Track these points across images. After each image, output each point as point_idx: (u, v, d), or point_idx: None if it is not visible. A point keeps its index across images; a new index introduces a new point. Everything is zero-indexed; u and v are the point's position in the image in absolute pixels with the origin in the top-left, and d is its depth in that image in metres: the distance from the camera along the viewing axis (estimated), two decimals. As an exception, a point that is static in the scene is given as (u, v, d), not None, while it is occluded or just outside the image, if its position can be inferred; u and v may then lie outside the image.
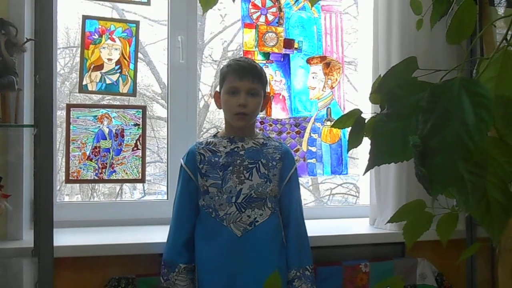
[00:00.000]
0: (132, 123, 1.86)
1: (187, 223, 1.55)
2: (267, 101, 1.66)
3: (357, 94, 2.31)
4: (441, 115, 0.64)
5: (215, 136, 1.61)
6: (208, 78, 2.54)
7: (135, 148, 1.86)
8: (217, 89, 1.63)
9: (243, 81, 1.53)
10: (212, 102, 2.49)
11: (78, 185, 2.27)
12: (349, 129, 1.14)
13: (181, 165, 1.59)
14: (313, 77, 2.11)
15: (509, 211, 0.73)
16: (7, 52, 1.50)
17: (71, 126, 1.80)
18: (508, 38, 0.75)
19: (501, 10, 1.79)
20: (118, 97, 1.97)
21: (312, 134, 2.10)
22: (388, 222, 1.35)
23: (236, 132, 1.58)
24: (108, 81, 1.82)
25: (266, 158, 1.56)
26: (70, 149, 1.79)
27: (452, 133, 0.63)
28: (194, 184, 1.56)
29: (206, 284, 1.50)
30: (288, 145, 2.05)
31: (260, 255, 1.49)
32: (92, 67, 1.80)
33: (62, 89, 2.21)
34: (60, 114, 1.96)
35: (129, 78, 1.84)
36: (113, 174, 1.84)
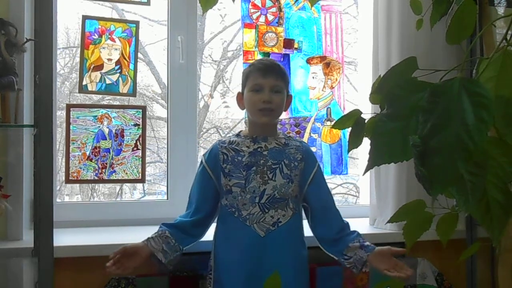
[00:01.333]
0: (132, 123, 1.86)
1: (193, 215, 1.54)
2: (290, 101, 1.65)
3: (357, 94, 2.31)
4: (441, 115, 0.64)
5: (238, 135, 1.61)
6: (208, 78, 2.54)
7: (135, 148, 1.86)
8: (239, 90, 1.63)
9: (267, 78, 1.53)
10: (212, 102, 2.49)
11: (78, 185, 2.27)
12: (349, 129, 1.14)
13: (202, 162, 1.59)
14: (313, 77, 2.11)
15: (509, 211, 0.73)
16: (7, 52, 1.50)
17: (71, 126, 1.80)
18: (508, 38, 0.75)
19: (501, 10, 1.79)
20: (118, 97, 1.97)
21: (312, 134, 2.10)
22: (388, 222, 1.35)
23: (259, 132, 1.57)
24: (108, 81, 1.82)
25: (289, 159, 1.56)
26: (70, 149, 1.79)
27: (452, 133, 0.63)
28: (212, 183, 1.56)
29: (225, 283, 1.50)
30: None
31: (282, 256, 1.49)
32: (92, 67, 1.80)
33: (62, 89, 2.21)
34: (60, 114, 1.96)
35: (129, 78, 1.84)
36: (113, 174, 1.84)
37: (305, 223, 1.62)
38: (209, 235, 1.59)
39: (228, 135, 1.64)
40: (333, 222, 1.57)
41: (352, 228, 1.58)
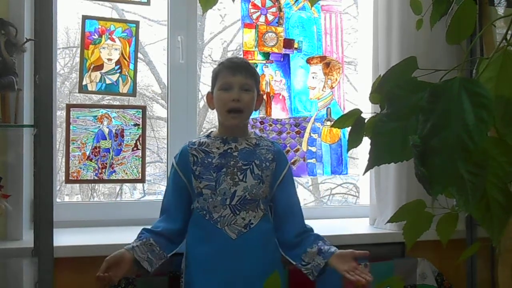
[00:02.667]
0: (132, 123, 1.86)
1: (173, 221, 1.52)
2: (261, 100, 1.64)
3: (357, 94, 2.31)
4: (441, 115, 0.64)
5: (208, 136, 1.59)
6: (208, 78, 2.53)
7: (135, 148, 1.86)
8: (209, 90, 1.61)
9: (236, 76, 1.52)
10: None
11: (78, 185, 2.27)
12: (349, 129, 1.14)
13: (173, 164, 1.58)
14: (313, 77, 2.11)
15: (509, 211, 0.73)
16: (7, 52, 1.50)
17: (71, 126, 1.80)
18: (508, 38, 0.75)
19: (501, 10, 1.79)
20: (118, 97, 1.97)
21: (312, 134, 2.10)
22: (388, 222, 1.35)
23: (229, 132, 1.56)
24: (108, 81, 1.82)
25: (260, 159, 1.54)
26: (70, 149, 1.79)
27: (452, 133, 0.63)
28: (184, 185, 1.54)
29: (198, 286, 1.47)
30: (288, 145, 2.05)
31: (255, 258, 1.47)
32: (92, 67, 1.80)
33: (62, 89, 2.21)
34: (60, 114, 1.96)
35: (129, 78, 1.84)
36: (113, 174, 1.84)
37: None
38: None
39: (198, 136, 1.62)
40: (294, 225, 1.54)
41: (351, 229, 1.57)
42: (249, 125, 1.97)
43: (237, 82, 1.52)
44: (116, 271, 1.39)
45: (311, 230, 1.55)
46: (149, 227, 1.53)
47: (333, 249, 1.47)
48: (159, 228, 1.51)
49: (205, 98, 1.63)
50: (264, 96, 2.03)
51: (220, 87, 1.53)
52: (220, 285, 1.45)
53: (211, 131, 1.62)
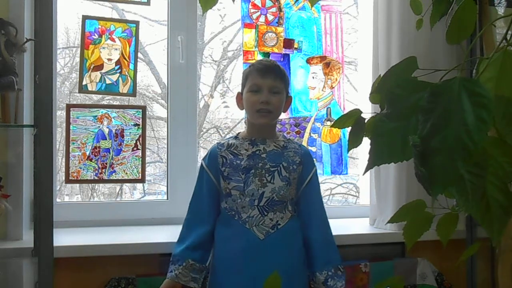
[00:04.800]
0: (132, 123, 1.86)
1: (206, 223, 1.54)
2: (290, 102, 1.65)
3: (357, 94, 2.31)
4: (441, 115, 0.64)
5: (236, 137, 1.60)
6: (208, 78, 2.54)
7: (135, 148, 1.86)
8: (239, 90, 1.62)
9: (266, 79, 1.53)
10: (212, 102, 2.49)
11: (78, 185, 2.26)
12: (349, 129, 1.14)
13: (202, 166, 1.59)
14: (313, 77, 2.11)
15: (509, 211, 0.73)
16: (7, 52, 1.50)
17: (71, 126, 1.80)
18: (508, 38, 0.75)
19: (501, 10, 1.80)
20: (118, 97, 1.97)
21: (312, 134, 2.10)
22: (388, 222, 1.35)
23: (257, 133, 1.57)
24: (108, 81, 1.82)
25: (287, 161, 1.55)
26: (70, 149, 1.79)
27: (452, 133, 0.63)
28: (215, 186, 1.56)
29: (224, 286, 1.50)
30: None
31: (282, 258, 1.49)
32: (92, 67, 1.80)
33: (62, 89, 2.21)
34: (60, 114, 1.96)
35: (129, 78, 1.84)
36: (113, 174, 1.84)
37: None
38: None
39: (226, 137, 1.64)
40: (316, 230, 1.57)
41: (351, 229, 1.57)
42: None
43: (267, 84, 1.53)
44: None
45: (331, 243, 1.57)
46: (179, 240, 1.54)
47: (339, 284, 1.51)
48: (192, 238, 1.52)
49: (235, 98, 1.64)
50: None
51: (249, 88, 1.55)
52: (246, 284, 1.46)
53: (239, 133, 1.63)
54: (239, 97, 1.61)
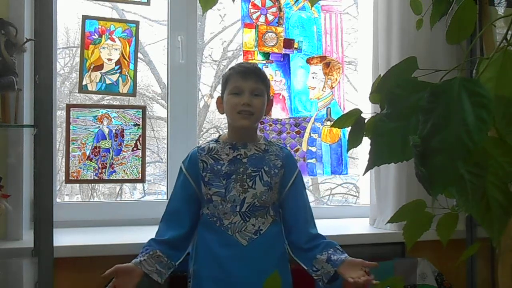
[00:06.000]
0: (132, 123, 1.86)
1: (182, 226, 1.51)
2: (271, 105, 1.63)
3: (357, 94, 2.31)
4: (441, 115, 0.64)
5: (217, 141, 1.57)
6: (208, 78, 2.54)
7: (135, 148, 1.86)
8: (219, 95, 1.60)
9: (247, 81, 1.51)
10: (212, 102, 2.49)
11: (78, 185, 2.27)
12: (349, 129, 1.14)
13: (181, 169, 1.56)
14: (313, 77, 2.11)
15: (509, 211, 0.73)
16: (7, 52, 1.50)
17: (71, 126, 1.80)
18: (508, 38, 0.75)
19: (501, 10, 1.80)
20: (118, 97, 1.97)
21: (312, 134, 2.10)
22: (388, 222, 1.35)
23: (239, 137, 1.55)
24: (108, 81, 1.82)
25: (269, 166, 1.54)
26: (70, 149, 1.79)
27: (452, 133, 0.63)
28: (194, 190, 1.54)
29: None
30: (288, 145, 2.05)
31: (266, 263, 1.47)
32: (92, 67, 1.80)
33: (62, 89, 2.21)
34: (60, 114, 1.96)
35: (129, 78, 1.84)
36: (113, 174, 1.84)
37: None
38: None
39: (207, 141, 1.62)
40: (304, 230, 1.54)
41: (351, 229, 1.57)
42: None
43: (248, 87, 1.51)
44: (126, 283, 1.38)
45: (320, 236, 1.55)
46: (154, 236, 1.51)
47: (343, 256, 1.47)
48: (166, 236, 1.49)
49: (215, 102, 1.62)
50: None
51: (231, 91, 1.53)
52: None
53: (220, 136, 1.60)
54: (219, 101, 1.59)
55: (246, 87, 1.51)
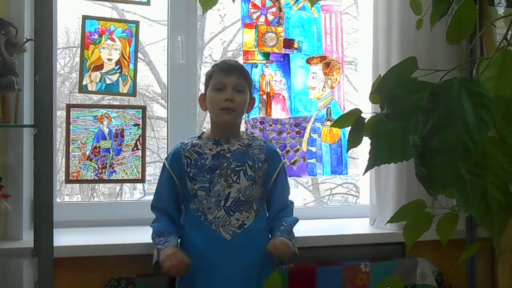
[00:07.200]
0: (132, 123, 1.86)
1: (174, 219, 1.55)
2: (253, 103, 1.66)
3: (357, 94, 2.31)
4: (441, 115, 0.64)
5: (200, 137, 1.59)
6: (208, 78, 2.54)
7: (135, 148, 1.86)
8: (202, 92, 1.62)
9: (230, 77, 1.53)
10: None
11: (78, 185, 2.27)
12: (349, 129, 1.14)
13: (165, 165, 1.58)
14: (313, 77, 2.11)
15: (509, 211, 0.73)
16: (7, 52, 1.50)
17: (71, 126, 1.80)
18: (508, 38, 0.75)
19: (501, 10, 1.80)
20: (118, 97, 1.97)
21: (312, 134, 2.10)
22: (388, 222, 1.35)
23: (221, 133, 1.57)
24: (108, 81, 1.82)
25: (252, 160, 1.55)
26: (70, 149, 1.79)
27: (452, 133, 0.63)
28: (176, 186, 1.55)
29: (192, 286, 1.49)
30: (288, 145, 2.05)
31: (250, 258, 1.48)
32: (92, 67, 1.80)
33: (62, 89, 2.22)
34: (60, 114, 1.96)
35: (129, 78, 1.84)
36: (113, 174, 1.84)
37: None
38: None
39: (190, 138, 1.63)
40: (276, 212, 1.59)
41: (351, 229, 1.57)
42: (249, 125, 1.98)
43: (231, 82, 1.53)
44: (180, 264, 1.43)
45: (287, 214, 1.59)
46: (167, 222, 1.54)
47: (279, 233, 1.51)
48: (164, 228, 1.52)
49: (197, 99, 1.64)
50: (264, 96, 2.04)
51: (213, 87, 1.55)
52: (215, 285, 1.46)
53: (203, 132, 1.63)
54: (202, 98, 1.61)
55: (228, 83, 1.53)
